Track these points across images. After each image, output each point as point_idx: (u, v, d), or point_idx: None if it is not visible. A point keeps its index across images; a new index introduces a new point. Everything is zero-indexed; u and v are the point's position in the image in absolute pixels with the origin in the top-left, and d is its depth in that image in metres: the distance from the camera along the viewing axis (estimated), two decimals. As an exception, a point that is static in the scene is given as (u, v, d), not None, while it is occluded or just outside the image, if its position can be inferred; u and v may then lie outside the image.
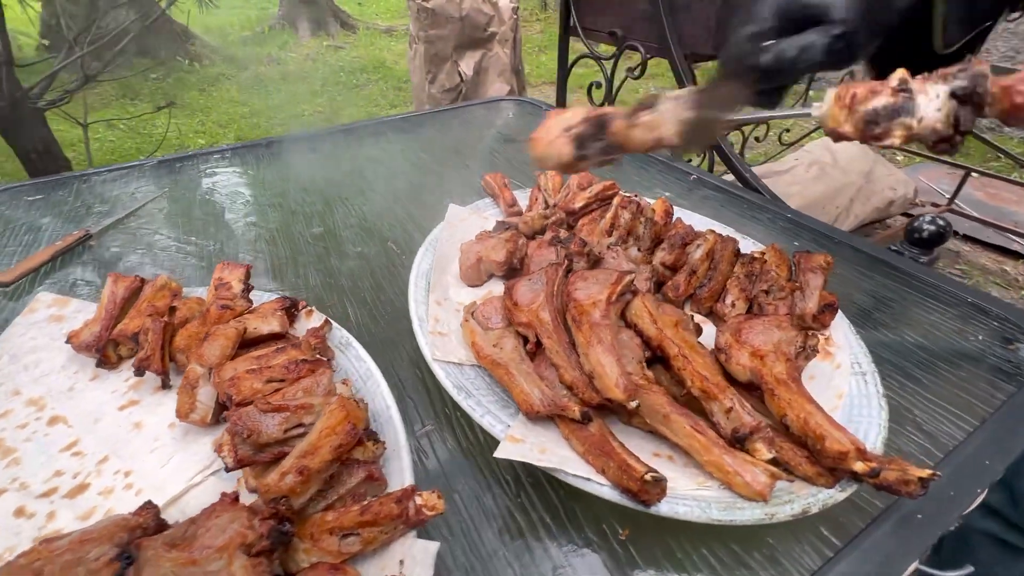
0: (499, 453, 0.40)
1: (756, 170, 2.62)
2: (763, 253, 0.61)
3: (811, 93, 2.85)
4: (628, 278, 0.49)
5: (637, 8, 1.48)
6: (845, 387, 0.47)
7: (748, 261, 0.59)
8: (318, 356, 0.48)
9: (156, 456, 0.46)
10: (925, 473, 0.34)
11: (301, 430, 0.38)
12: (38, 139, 1.81)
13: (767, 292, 0.55)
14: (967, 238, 2.65)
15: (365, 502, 0.35)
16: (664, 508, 0.36)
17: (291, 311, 0.54)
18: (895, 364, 0.56)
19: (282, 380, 0.44)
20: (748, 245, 0.66)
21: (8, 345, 0.54)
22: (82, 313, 0.58)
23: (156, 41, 5.76)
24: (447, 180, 1.01)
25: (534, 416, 0.43)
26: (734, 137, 2.56)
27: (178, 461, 0.45)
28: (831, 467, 0.37)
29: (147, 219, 0.89)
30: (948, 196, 2.73)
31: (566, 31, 1.81)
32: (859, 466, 0.35)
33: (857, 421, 0.44)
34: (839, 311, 0.54)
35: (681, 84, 1.40)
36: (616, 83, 1.70)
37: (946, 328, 0.61)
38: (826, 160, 2.52)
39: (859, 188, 2.49)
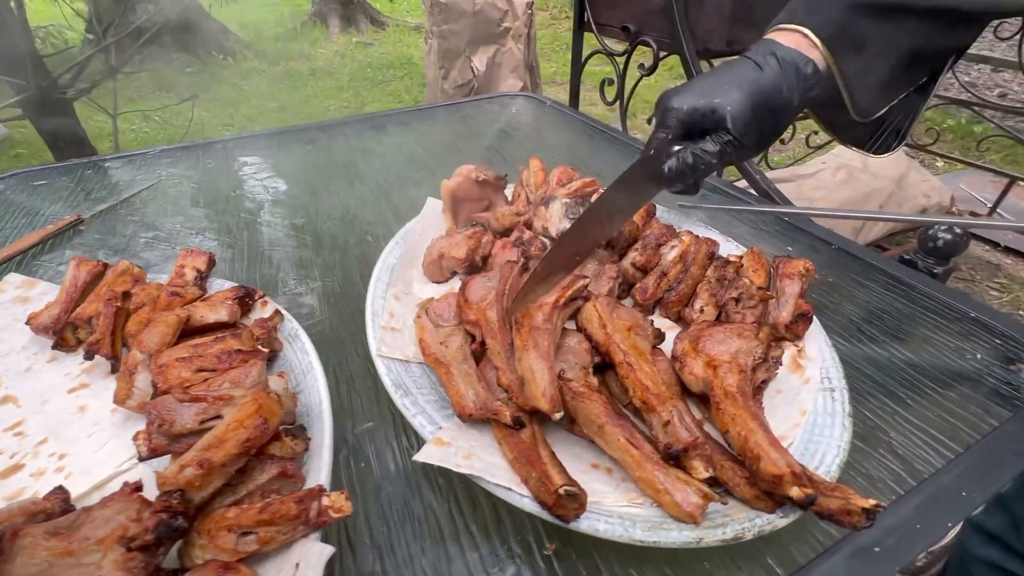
0: (418, 456, 0.38)
1: (778, 173, 2.53)
2: (740, 257, 0.57)
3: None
4: (580, 283, 0.46)
5: (650, 2, 1.44)
6: (810, 404, 0.43)
7: (722, 265, 0.55)
8: (259, 347, 0.47)
9: (92, 440, 0.45)
10: (868, 503, 0.31)
11: (218, 422, 0.37)
12: (66, 128, 1.88)
13: (737, 300, 0.52)
14: (1009, 250, 2.50)
15: (267, 500, 0.34)
16: (584, 524, 0.34)
17: (245, 301, 0.54)
18: (877, 381, 0.52)
19: (213, 370, 0.43)
20: (731, 248, 0.63)
21: (-31, 325, 0.55)
22: (48, 296, 0.59)
23: (194, 38, 5.95)
24: (438, 174, 0.99)
25: (467, 419, 0.41)
26: (757, 138, 2.47)
27: (112, 447, 0.44)
28: (767, 491, 0.34)
29: (138, 207, 0.90)
30: (990, 205, 2.58)
31: (580, 26, 1.77)
32: (794, 491, 0.32)
33: (817, 441, 0.40)
34: (815, 321, 0.50)
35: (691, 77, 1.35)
36: (629, 81, 1.66)
37: (942, 344, 0.56)
38: (855, 164, 2.41)
39: (890, 194, 2.37)
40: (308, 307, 0.65)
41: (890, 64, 0.46)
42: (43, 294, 0.59)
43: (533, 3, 1.95)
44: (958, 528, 0.38)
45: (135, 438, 0.38)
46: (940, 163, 3.27)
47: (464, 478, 0.43)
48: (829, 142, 2.76)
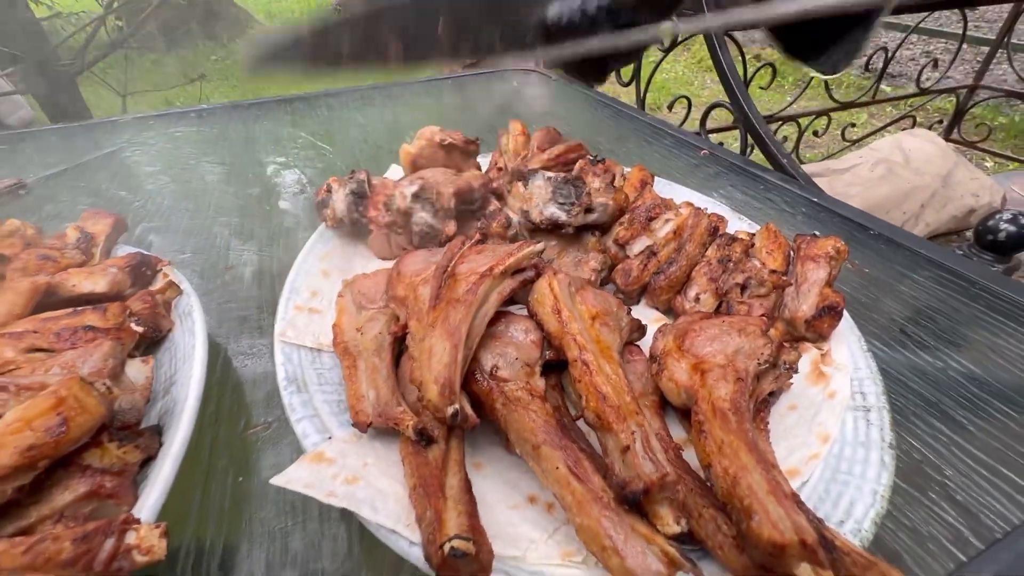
0: (277, 479, 0.27)
1: (810, 168, 2.35)
2: (752, 236, 0.45)
3: (884, 87, 2.53)
4: (529, 249, 0.35)
5: (671, -30, 1.31)
6: (836, 428, 0.32)
7: (726, 243, 0.43)
8: (130, 324, 0.37)
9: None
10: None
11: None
12: (68, 103, 1.85)
13: (743, 287, 0.40)
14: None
15: (37, 537, 0.24)
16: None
17: (139, 270, 0.44)
18: (928, 400, 0.39)
19: (51, 350, 0.33)
20: (743, 228, 0.51)
21: None
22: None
23: (219, 24, 6.01)
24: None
25: (363, 427, 0.31)
26: (788, 130, 2.31)
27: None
28: (762, 564, 0.22)
29: (88, 174, 0.82)
30: (1044, 208, 2.35)
31: None
32: (804, 571, 0.20)
33: (844, 482, 0.29)
34: (846, 317, 0.38)
35: (715, 55, 1.21)
36: (646, 65, 1.53)
37: (1014, 354, 0.44)
38: (896, 159, 2.23)
39: (934, 192, 2.18)
40: (236, 284, 0.55)
41: None
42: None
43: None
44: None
45: None
46: (989, 162, 3.03)
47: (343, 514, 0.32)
48: (867, 135, 2.57)
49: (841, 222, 0.63)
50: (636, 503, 0.25)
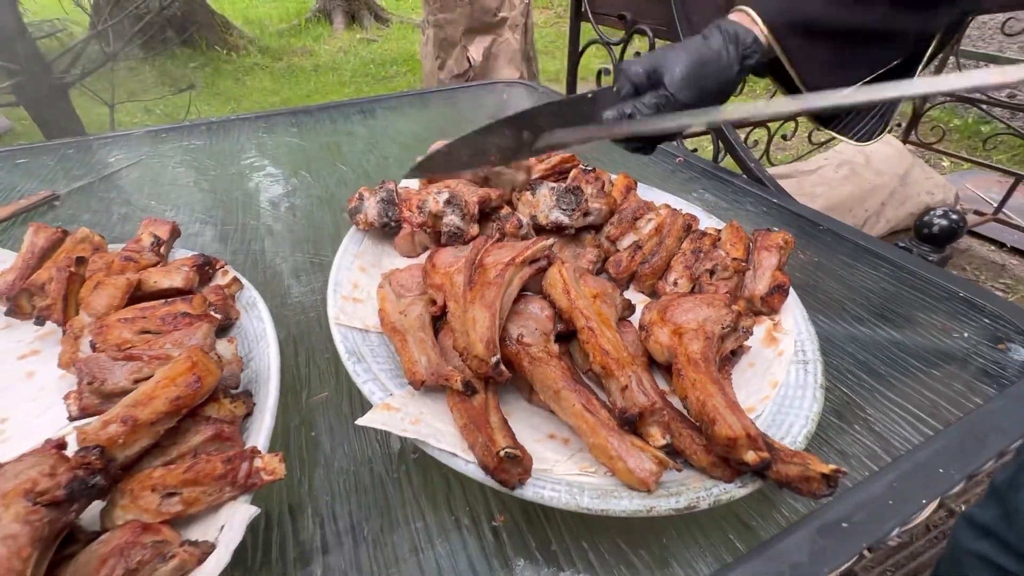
0: (362, 420, 0.36)
1: (779, 169, 2.50)
2: (719, 231, 0.55)
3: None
4: (543, 243, 0.44)
5: (646, -11, 1.42)
6: (782, 376, 0.41)
7: (698, 237, 0.53)
8: (211, 312, 0.45)
9: (36, 405, 0.44)
10: (828, 469, 0.29)
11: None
12: (60, 114, 1.87)
13: (711, 272, 0.49)
14: (1015, 250, 2.46)
15: (194, 460, 0.32)
16: (528, 492, 0.32)
17: (204, 269, 0.52)
18: (858, 359, 0.49)
19: (157, 332, 0.41)
20: (712, 224, 0.60)
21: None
22: (6, 263, 0.57)
23: (197, 32, 5.96)
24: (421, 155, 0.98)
25: (419, 386, 0.39)
26: (758, 134, 2.44)
27: (56, 412, 0.43)
28: (724, 456, 0.31)
29: (116, 184, 0.89)
30: (995, 205, 2.54)
31: (577, 15, 1.75)
32: (749, 456, 0.30)
33: (786, 412, 0.38)
34: (792, 294, 0.48)
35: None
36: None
37: (929, 324, 0.54)
38: (858, 161, 2.38)
39: (892, 191, 2.33)
40: (275, 280, 0.63)
41: (840, 43, 0.49)
42: (4, 260, 0.58)
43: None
44: (934, 505, 0.36)
45: (66, 397, 0.36)
46: (946, 163, 3.22)
47: (418, 450, 0.41)
48: (831, 139, 2.73)
49: (797, 220, 0.73)
50: (633, 424, 0.34)
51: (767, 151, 2.44)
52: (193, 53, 5.96)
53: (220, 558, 0.28)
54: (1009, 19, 2.38)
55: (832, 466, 0.29)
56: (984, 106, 2.68)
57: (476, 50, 1.92)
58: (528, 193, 0.54)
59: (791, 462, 0.30)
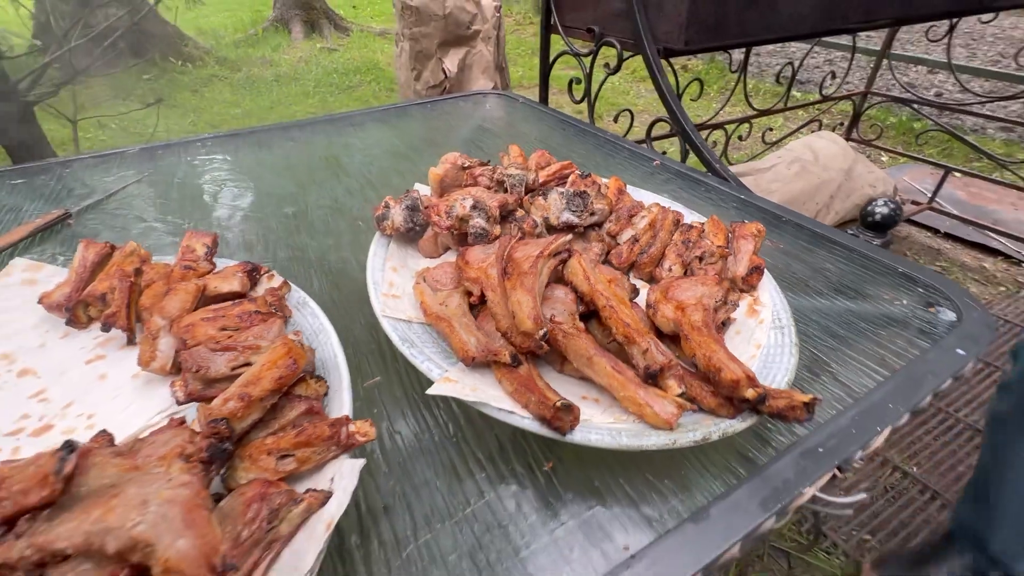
0: (432, 390, 0.43)
1: (738, 168, 2.67)
2: (702, 224, 0.64)
3: (795, 94, 2.90)
4: (564, 238, 0.52)
5: (613, 5, 1.53)
6: (764, 339, 0.51)
7: (686, 229, 0.62)
8: (272, 310, 0.51)
9: (118, 402, 0.49)
10: (807, 398, 0.38)
11: (247, 368, 0.42)
12: (27, 133, 1.83)
13: (700, 258, 0.59)
14: (949, 236, 2.70)
15: (303, 425, 0.38)
16: (578, 436, 0.40)
17: (252, 274, 0.58)
18: (822, 324, 0.59)
19: (236, 329, 0.47)
20: (694, 218, 0.70)
21: (-18, 305, 0.57)
22: (55, 278, 0.61)
23: (149, 42, 5.79)
24: (420, 166, 1.05)
25: (470, 362, 0.46)
26: (717, 136, 2.60)
27: (137, 407, 0.48)
28: (728, 396, 0.40)
29: (126, 201, 0.92)
30: (929, 195, 2.78)
31: (547, 29, 1.85)
32: (749, 392, 0.38)
33: (770, 366, 0.47)
34: (766, 274, 0.58)
35: (654, 76, 1.44)
36: (595, 82, 1.75)
37: (875, 294, 0.65)
38: (807, 158, 2.56)
39: (839, 185, 2.53)
40: (305, 284, 0.69)
41: None
42: (50, 276, 0.62)
43: (501, 6, 2.01)
44: (886, 432, 0.46)
45: (173, 385, 0.42)
46: (885, 157, 3.48)
47: (469, 417, 0.48)
48: (783, 138, 2.92)
49: (763, 213, 0.84)
50: (655, 378, 0.42)
51: (725, 151, 2.60)
52: (146, 65, 5.78)
53: (341, 500, 0.35)
54: (932, 26, 2.62)
55: (810, 395, 0.38)
56: (915, 105, 2.93)
57: (451, 61, 2.00)
58: (540, 198, 0.62)
59: (779, 397, 0.39)
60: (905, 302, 0.63)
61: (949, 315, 0.61)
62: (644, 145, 1.68)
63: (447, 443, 0.46)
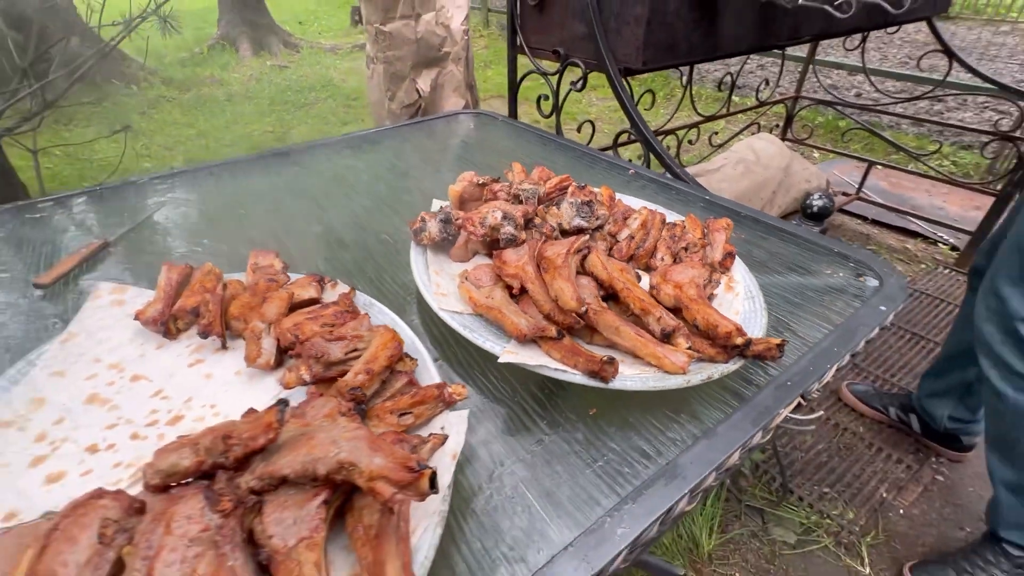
0: (503, 359, 0.55)
1: (691, 169, 2.90)
2: (683, 222, 0.79)
3: (735, 99, 3.17)
4: (584, 238, 0.66)
5: (576, 30, 1.69)
6: (741, 307, 0.66)
7: (672, 227, 0.77)
8: (355, 309, 0.62)
9: (231, 394, 0.58)
10: (779, 340, 0.53)
11: (356, 353, 0.53)
12: (-3, 167, 1.81)
13: (686, 248, 0.74)
14: (875, 222, 3.02)
15: (413, 391, 0.50)
16: (616, 383, 0.53)
17: (321, 283, 0.68)
18: (781, 295, 0.76)
19: (333, 325, 0.58)
20: (673, 217, 0.85)
21: (82, 326, 0.65)
22: (139, 298, 0.69)
23: (92, 66, 5.58)
24: (423, 183, 1.16)
25: (522, 339, 0.59)
26: (669, 141, 2.83)
27: (250, 396, 0.58)
28: (724, 345, 0.55)
29: (157, 228, 0.99)
30: (856, 186, 3.11)
31: (513, 49, 2.00)
32: (739, 339, 0.53)
33: (747, 327, 0.62)
34: (737, 258, 0.73)
35: (618, 94, 1.61)
36: (561, 95, 1.91)
37: (818, 270, 0.82)
38: (750, 158, 2.82)
39: (779, 182, 2.80)
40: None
41: None
42: (134, 297, 0.70)
43: (468, 29, 2.15)
44: (833, 369, 0.61)
45: (296, 369, 0.52)
46: (816, 154, 3.83)
47: (524, 381, 0.61)
48: (728, 140, 3.19)
49: (724, 210, 1.00)
50: (668, 337, 0.56)
51: (677, 154, 2.83)
52: (87, 88, 5.56)
53: (459, 440, 0.47)
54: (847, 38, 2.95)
55: (780, 338, 0.53)
56: (839, 107, 3.27)
57: (424, 82, 2.12)
58: (554, 207, 0.76)
59: (759, 343, 0.54)
60: (841, 274, 0.80)
61: (873, 282, 0.78)
62: (611, 153, 1.85)
63: (508, 401, 0.59)
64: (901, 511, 1.57)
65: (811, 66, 3.24)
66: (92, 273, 0.86)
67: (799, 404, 0.59)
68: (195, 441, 0.42)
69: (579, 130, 2.15)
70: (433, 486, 0.36)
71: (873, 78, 3.15)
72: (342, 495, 0.41)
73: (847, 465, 1.70)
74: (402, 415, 0.48)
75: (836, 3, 1.25)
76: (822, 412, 0.58)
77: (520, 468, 0.51)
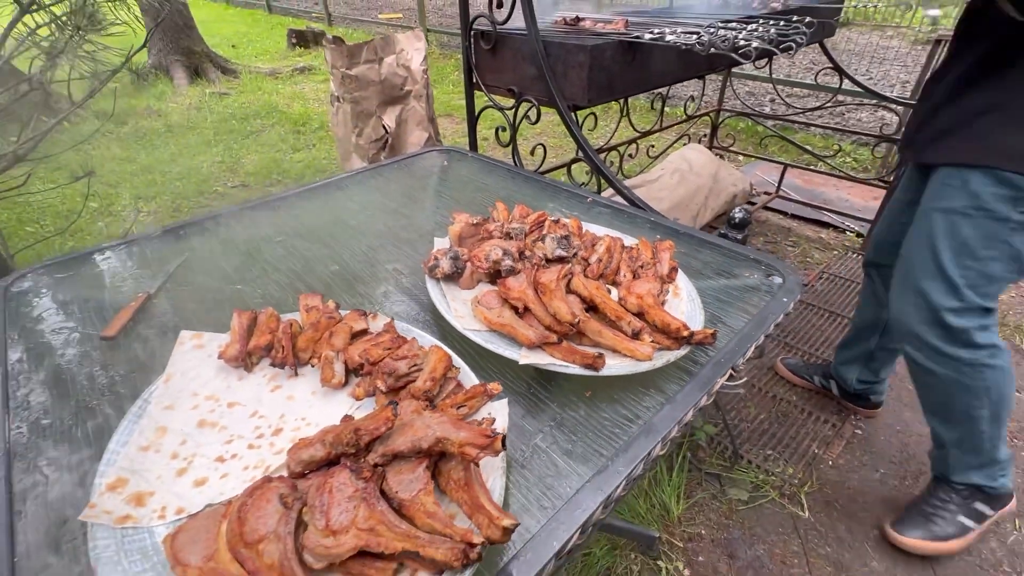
0: (523, 361, 0.76)
1: (632, 181, 3.21)
2: (637, 245, 1.03)
3: (667, 110, 3.53)
4: (568, 267, 0.88)
5: (527, 71, 1.93)
6: (685, 308, 0.90)
7: (629, 250, 1.01)
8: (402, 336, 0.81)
9: (314, 409, 0.75)
10: (712, 331, 0.77)
11: (417, 368, 0.72)
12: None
13: (641, 266, 0.97)
14: (795, 216, 3.43)
15: (463, 391, 0.69)
16: (605, 371, 0.75)
17: (365, 316, 0.86)
18: (713, 295, 1.00)
19: (388, 349, 0.76)
20: (628, 240, 1.09)
21: (176, 367, 0.80)
22: (213, 341, 0.85)
23: (14, 101, 5.32)
24: (415, 220, 1.35)
25: (531, 346, 0.80)
26: (612, 156, 3.12)
27: (331, 408, 0.75)
28: (676, 338, 0.78)
29: (189, 277, 1.12)
30: (776, 185, 3.53)
31: (470, 87, 2.21)
32: (685, 332, 0.76)
33: (690, 321, 0.86)
34: (680, 271, 0.97)
35: (570, 130, 1.85)
36: (516, 126, 2.14)
37: (739, 273, 1.08)
38: (684, 167, 3.15)
39: (710, 188, 3.15)
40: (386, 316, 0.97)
41: None
42: (210, 340, 0.85)
43: (428, 68, 2.35)
44: (752, 347, 0.86)
45: (363, 384, 0.70)
46: (740, 158, 4.26)
47: (534, 377, 0.81)
48: (662, 152, 3.53)
49: (666, 230, 1.25)
50: (637, 335, 0.79)
51: (620, 167, 3.13)
52: (11, 126, 5.29)
53: (504, 420, 0.66)
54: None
55: (713, 329, 0.77)
56: (756, 117, 3.69)
57: (389, 118, 2.30)
58: (540, 242, 0.98)
59: (699, 333, 0.77)
60: (755, 275, 1.06)
61: (779, 280, 1.05)
62: (568, 179, 2.10)
63: (525, 393, 0.79)
64: (830, 463, 1.89)
65: (729, 81, 3.64)
66: (143, 323, 0.99)
67: (731, 375, 0.83)
68: (321, 439, 0.60)
69: (532, 152, 2.39)
70: (503, 446, 0.56)
71: (782, 87, 3.58)
72: (432, 463, 0.60)
73: (784, 429, 2.01)
74: (459, 407, 0.68)
75: (740, 52, 1.54)
76: (747, 378, 0.82)
77: (545, 436, 0.72)
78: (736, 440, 1.91)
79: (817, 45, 2.88)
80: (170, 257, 1.19)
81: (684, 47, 1.55)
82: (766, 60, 3.35)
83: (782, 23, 1.98)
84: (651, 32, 1.74)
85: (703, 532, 1.76)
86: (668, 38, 1.61)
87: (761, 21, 1.98)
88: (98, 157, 5.00)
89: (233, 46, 8.97)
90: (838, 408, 2.06)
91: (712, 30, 1.77)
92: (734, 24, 1.91)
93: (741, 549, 1.69)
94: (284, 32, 9.07)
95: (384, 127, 2.28)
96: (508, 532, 0.51)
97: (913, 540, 1.46)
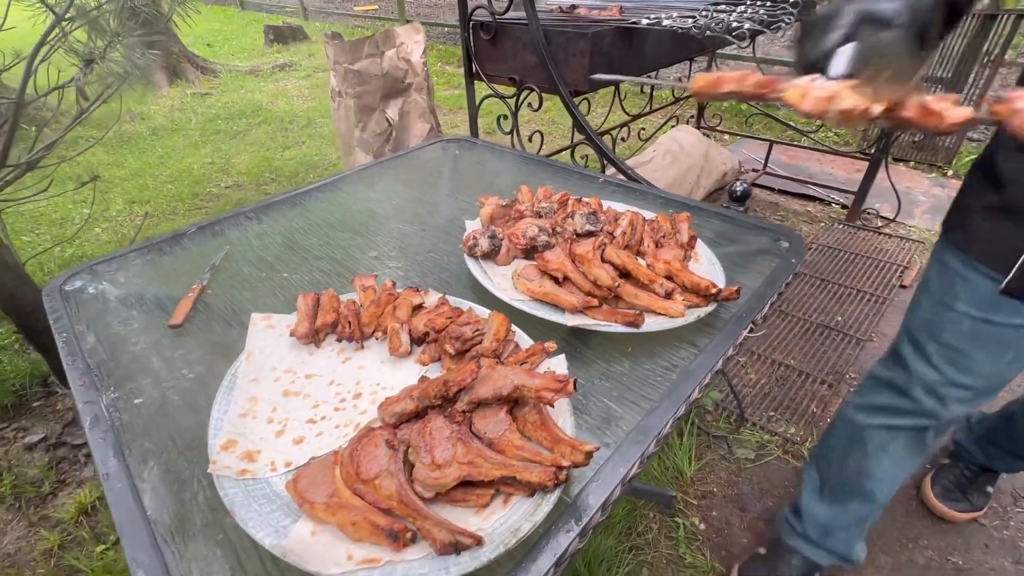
0: (569, 323, 0.85)
1: (628, 162, 3.29)
2: (656, 217, 1.12)
3: (656, 93, 3.60)
4: (601, 238, 0.97)
5: (528, 60, 2.00)
6: (706, 272, 0.99)
7: (651, 222, 1.10)
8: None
9: (385, 376, 0.83)
10: (736, 287, 0.86)
11: (480, 333, 0.80)
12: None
13: (663, 236, 1.06)
14: (781, 192, 3.55)
15: (524, 349, 0.78)
16: (644, 328, 0.84)
17: (420, 292, 0.94)
18: (728, 260, 1.10)
19: (450, 318, 0.85)
20: (647, 214, 1.18)
21: (253, 345, 0.87)
22: (282, 321, 0.92)
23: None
24: (440, 206, 1.42)
25: (574, 311, 0.89)
26: (606, 139, 3.20)
27: (402, 374, 0.83)
28: (704, 296, 0.88)
29: (234, 269, 1.18)
30: (762, 162, 3.64)
31: (470, 76, 2.27)
32: (713, 290, 0.86)
33: (713, 279, 0.96)
34: (698, 239, 1.07)
35: (571, 113, 1.93)
36: (518, 114, 2.21)
37: (746, 239, 1.18)
38: (675, 148, 3.25)
39: (702, 167, 3.25)
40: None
41: None
42: (279, 320, 0.92)
43: (427, 60, 2.40)
44: (768, 304, 0.96)
45: (429, 351, 0.79)
46: (727, 137, 4.37)
47: (578, 339, 0.90)
48: (653, 134, 3.62)
49: (678, 204, 1.35)
50: (670, 295, 0.88)
51: (613, 149, 3.22)
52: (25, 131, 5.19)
53: (563, 367, 0.75)
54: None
55: (736, 286, 0.86)
56: (740, 96, 3.79)
57: (392, 111, 2.35)
58: (569, 218, 1.06)
59: (724, 291, 0.87)
60: (764, 240, 1.17)
61: (785, 244, 1.15)
62: (573, 159, 2.17)
63: (573, 352, 0.88)
64: (828, 419, 2.02)
65: (714, 61, 3.74)
66: (204, 310, 1.05)
67: (751, 328, 0.93)
68: (408, 394, 0.69)
69: (530, 139, 2.47)
70: (575, 388, 0.65)
71: (765, 66, 3.69)
72: (508, 409, 0.69)
73: (784, 392, 2.13)
74: (522, 364, 0.77)
75: (735, 33, 1.63)
76: (764, 330, 0.92)
77: (596, 387, 0.81)
78: (742, 404, 2.03)
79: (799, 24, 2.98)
80: (210, 252, 1.25)
81: (681, 31, 1.63)
82: (749, 40, 3.45)
83: (768, 3, 2.07)
84: (647, 17, 1.82)
85: (715, 490, 1.88)
86: (665, 23, 1.69)
87: (749, 3, 2.07)
88: (85, 164, 4.94)
89: (209, 45, 8.82)
90: (832, 370, 2.19)
91: (706, 14, 1.85)
92: (724, 7, 2.00)
93: (751, 503, 1.82)
94: (260, 28, 8.94)
95: (387, 120, 2.33)
96: (590, 455, 0.60)
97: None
